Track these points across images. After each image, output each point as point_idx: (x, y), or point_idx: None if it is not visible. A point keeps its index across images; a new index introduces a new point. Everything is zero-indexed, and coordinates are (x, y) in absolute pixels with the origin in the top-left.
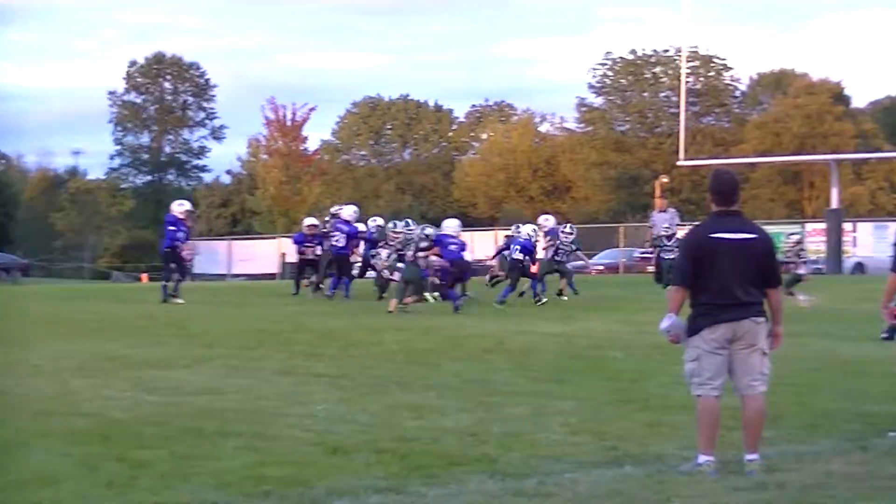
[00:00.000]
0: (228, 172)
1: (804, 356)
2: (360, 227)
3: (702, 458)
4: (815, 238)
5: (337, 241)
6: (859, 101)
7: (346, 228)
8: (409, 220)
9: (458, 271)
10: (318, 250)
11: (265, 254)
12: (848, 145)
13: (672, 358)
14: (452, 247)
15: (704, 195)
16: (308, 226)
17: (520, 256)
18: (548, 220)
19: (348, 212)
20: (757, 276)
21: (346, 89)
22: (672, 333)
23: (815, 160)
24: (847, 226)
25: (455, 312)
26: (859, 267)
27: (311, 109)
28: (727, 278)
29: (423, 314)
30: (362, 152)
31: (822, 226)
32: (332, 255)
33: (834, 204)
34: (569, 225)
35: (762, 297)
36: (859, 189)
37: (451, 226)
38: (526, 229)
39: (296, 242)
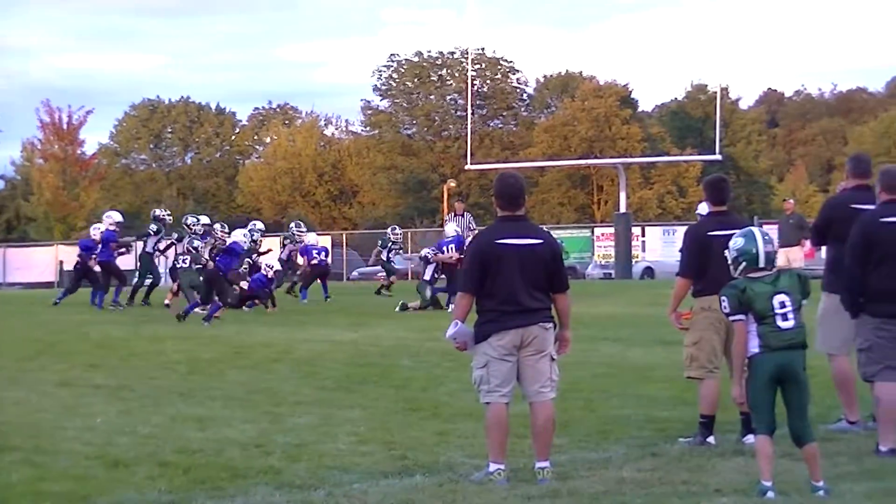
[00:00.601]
0: (2, 177)
1: (593, 361)
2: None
3: (493, 467)
4: (604, 242)
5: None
6: (646, 104)
7: (105, 236)
8: (198, 218)
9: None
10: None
11: (42, 262)
12: (636, 149)
13: (461, 365)
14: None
15: (493, 199)
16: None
17: (456, 255)
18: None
19: (107, 218)
20: (544, 282)
21: (123, 91)
22: (459, 340)
23: (603, 164)
24: (636, 230)
25: (180, 321)
26: (648, 271)
27: (88, 112)
28: (514, 284)
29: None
30: (142, 156)
31: (611, 230)
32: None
33: (622, 208)
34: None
35: (549, 303)
36: (647, 193)
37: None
38: (452, 226)
39: (84, 249)
